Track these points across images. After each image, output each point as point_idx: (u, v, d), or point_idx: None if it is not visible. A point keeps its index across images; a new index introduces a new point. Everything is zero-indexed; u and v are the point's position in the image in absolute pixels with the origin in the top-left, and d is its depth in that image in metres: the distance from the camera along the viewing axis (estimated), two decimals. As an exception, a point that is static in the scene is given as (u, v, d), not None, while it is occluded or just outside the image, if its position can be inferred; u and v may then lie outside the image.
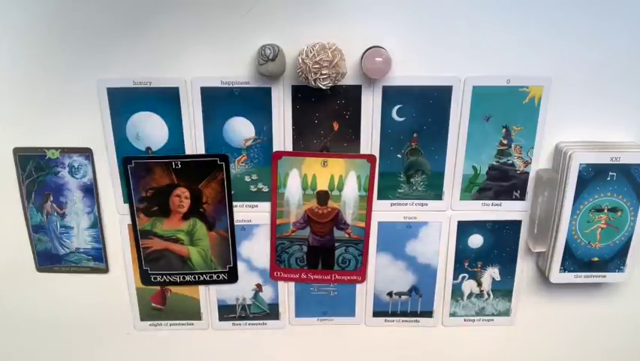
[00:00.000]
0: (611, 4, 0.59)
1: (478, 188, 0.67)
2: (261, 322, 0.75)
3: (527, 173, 0.67)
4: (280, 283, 0.73)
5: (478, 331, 0.76)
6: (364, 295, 0.74)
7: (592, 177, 0.63)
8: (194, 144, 0.65)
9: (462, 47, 0.61)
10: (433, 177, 0.67)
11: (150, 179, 0.67)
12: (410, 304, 0.74)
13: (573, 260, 0.67)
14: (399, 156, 0.66)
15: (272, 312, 0.75)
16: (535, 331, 0.76)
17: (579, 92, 0.63)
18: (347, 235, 0.70)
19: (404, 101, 0.63)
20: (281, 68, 0.59)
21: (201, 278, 0.72)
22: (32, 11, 0.59)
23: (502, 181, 0.67)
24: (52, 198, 0.68)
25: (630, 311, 0.74)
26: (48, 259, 0.72)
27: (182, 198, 0.68)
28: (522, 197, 0.68)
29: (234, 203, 0.69)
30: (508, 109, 0.63)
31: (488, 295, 0.73)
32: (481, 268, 0.72)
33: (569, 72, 0.62)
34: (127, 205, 0.69)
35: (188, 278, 0.72)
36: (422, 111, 0.64)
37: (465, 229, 0.70)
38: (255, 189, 0.68)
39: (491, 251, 0.71)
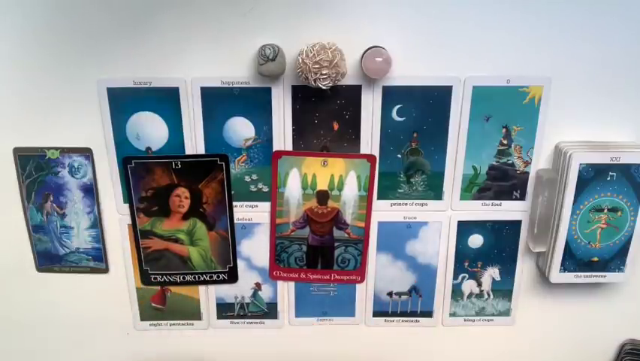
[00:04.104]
0: (611, 4, 0.59)
1: (478, 188, 0.67)
2: (259, 321, 0.75)
3: (527, 173, 0.67)
4: (279, 283, 0.73)
5: (478, 331, 0.76)
6: (364, 295, 0.74)
7: (592, 177, 0.63)
8: (194, 144, 0.65)
9: (462, 47, 0.61)
10: (433, 177, 0.67)
11: (150, 179, 0.67)
12: (410, 304, 0.74)
13: (573, 260, 0.67)
14: (399, 156, 0.66)
15: (270, 311, 0.75)
16: (535, 331, 0.76)
17: (579, 92, 0.63)
18: (347, 235, 0.70)
19: (404, 101, 0.63)
20: (281, 68, 0.59)
21: (201, 278, 0.72)
22: (32, 12, 0.59)
23: (502, 181, 0.67)
24: (52, 198, 0.68)
25: (630, 311, 0.74)
26: (48, 259, 0.72)
27: (182, 198, 0.68)
28: (522, 197, 0.68)
29: (234, 203, 0.69)
30: (508, 109, 0.63)
31: (488, 295, 0.73)
32: (481, 268, 0.72)
33: (569, 72, 0.62)
34: (127, 205, 0.68)
35: (188, 278, 0.72)
36: (422, 111, 0.64)
37: (465, 229, 0.70)
38: (255, 189, 0.68)
39: (491, 251, 0.71)
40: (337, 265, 0.72)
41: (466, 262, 0.72)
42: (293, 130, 0.65)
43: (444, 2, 0.59)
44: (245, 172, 0.67)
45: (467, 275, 0.72)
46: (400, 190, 0.68)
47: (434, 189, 0.68)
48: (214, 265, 0.72)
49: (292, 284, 0.73)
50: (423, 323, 0.76)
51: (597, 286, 0.72)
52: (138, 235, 0.70)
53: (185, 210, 0.69)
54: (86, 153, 0.66)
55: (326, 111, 0.64)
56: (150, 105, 0.64)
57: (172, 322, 0.75)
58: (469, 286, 0.73)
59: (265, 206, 0.69)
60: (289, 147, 0.66)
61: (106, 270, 0.72)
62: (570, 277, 0.68)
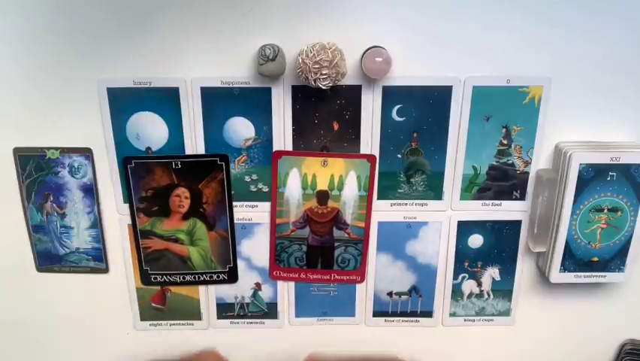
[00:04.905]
0: (611, 4, 0.59)
1: (478, 188, 0.67)
2: (259, 321, 0.75)
3: (527, 173, 0.67)
4: (279, 283, 0.73)
5: (478, 331, 0.76)
6: (364, 295, 0.74)
7: (592, 177, 0.63)
8: (194, 144, 0.65)
9: (462, 47, 0.61)
10: (433, 177, 0.67)
11: (150, 179, 0.67)
12: (410, 304, 0.74)
13: (573, 260, 0.67)
14: (399, 156, 0.66)
15: (270, 311, 0.75)
16: (535, 331, 0.76)
17: (579, 92, 0.63)
18: (347, 235, 0.70)
19: (404, 101, 0.63)
20: (281, 68, 0.59)
21: (201, 278, 0.72)
22: (32, 12, 0.59)
23: (502, 181, 0.67)
24: (52, 198, 0.68)
25: (630, 311, 0.74)
26: (48, 259, 0.72)
27: (182, 198, 0.68)
28: (522, 197, 0.68)
29: (234, 203, 0.69)
30: (508, 109, 0.63)
31: (488, 295, 0.73)
32: (481, 268, 0.72)
33: (569, 72, 0.62)
34: (127, 205, 0.69)
35: (188, 278, 0.72)
36: (422, 111, 0.64)
37: (465, 229, 0.70)
38: (254, 189, 0.68)
39: (491, 251, 0.71)
40: (337, 265, 0.72)
41: (466, 262, 0.72)
42: (293, 130, 0.65)
43: (444, 2, 0.59)
44: (245, 172, 0.67)
45: (467, 275, 0.72)
46: (400, 190, 0.68)
47: (434, 189, 0.68)
48: (214, 265, 0.72)
49: (292, 284, 0.73)
50: (423, 323, 0.76)
51: (597, 286, 0.72)
52: (138, 235, 0.70)
53: (185, 210, 0.69)
54: (86, 153, 0.66)
55: (326, 111, 0.64)
56: (150, 105, 0.64)
57: (172, 322, 0.75)
58: (469, 286, 0.73)
59: (265, 206, 0.69)
60: (289, 147, 0.66)
61: (106, 270, 0.72)
62: (570, 277, 0.68)
